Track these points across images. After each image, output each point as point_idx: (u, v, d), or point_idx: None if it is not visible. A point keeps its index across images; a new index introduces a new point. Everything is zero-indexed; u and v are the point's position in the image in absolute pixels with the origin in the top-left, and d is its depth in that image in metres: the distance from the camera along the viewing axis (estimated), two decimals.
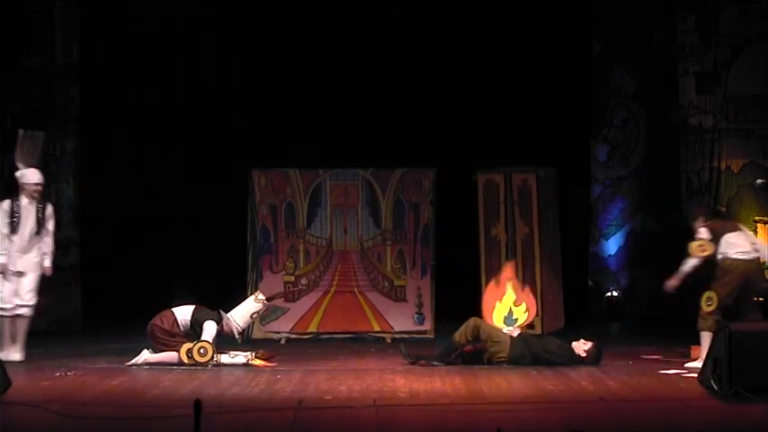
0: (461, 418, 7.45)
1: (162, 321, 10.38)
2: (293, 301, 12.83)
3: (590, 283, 15.02)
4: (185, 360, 10.08)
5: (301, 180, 13.08)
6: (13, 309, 10.66)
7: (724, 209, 13.38)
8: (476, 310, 11.10)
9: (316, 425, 7.23)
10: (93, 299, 14.06)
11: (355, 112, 14.31)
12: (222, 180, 14.05)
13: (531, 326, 12.28)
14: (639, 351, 11.14)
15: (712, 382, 8.17)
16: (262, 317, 12.05)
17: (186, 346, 10.12)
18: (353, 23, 14.38)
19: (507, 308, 11.04)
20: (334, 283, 12.98)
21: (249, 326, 11.32)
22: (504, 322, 11.00)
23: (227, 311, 10.53)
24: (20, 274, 10.74)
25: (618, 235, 15.03)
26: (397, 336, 12.66)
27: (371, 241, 13.04)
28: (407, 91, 14.39)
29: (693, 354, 10.13)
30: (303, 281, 12.94)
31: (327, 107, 14.34)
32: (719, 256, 9.96)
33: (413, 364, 10.23)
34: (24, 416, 7.41)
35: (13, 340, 10.66)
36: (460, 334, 10.33)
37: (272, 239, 13.01)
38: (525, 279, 12.30)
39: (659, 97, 14.62)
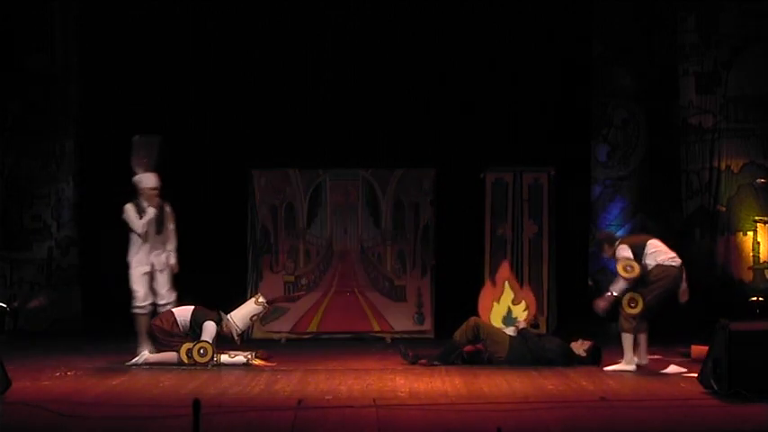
0: (461, 417, 7.45)
1: (162, 321, 10.39)
2: (293, 301, 12.83)
3: (590, 282, 15.02)
4: (185, 360, 10.08)
5: (301, 180, 13.09)
6: (149, 306, 10.85)
7: (724, 209, 13.39)
8: (476, 310, 11.11)
9: (316, 425, 7.23)
10: (93, 299, 14.06)
11: (355, 111, 14.30)
12: (222, 180, 14.04)
13: (535, 325, 12.30)
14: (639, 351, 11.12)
15: (712, 382, 8.17)
16: (262, 317, 12.05)
17: (186, 346, 10.12)
18: (353, 23, 14.38)
19: (506, 307, 11.05)
20: (334, 284, 12.99)
21: (249, 326, 11.32)
22: (503, 322, 10.99)
23: (227, 312, 10.53)
24: (152, 272, 10.88)
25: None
26: (397, 336, 12.66)
27: (371, 241, 13.05)
28: (407, 91, 14.38)
29: (694, 353, 10.14)
30: (303, 281, 12.95)
31: (327, 107, 14.33)
32: (650, 266, 9.90)
33: (413, 364, 10.23)
34: (24, 416, 7.41)
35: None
36: (460, 333, 10.34)
37: (272, 239, 13.02)
38: (531, 278, 12.32)
39: (659, 97, 14.61)
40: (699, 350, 9.82)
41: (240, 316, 10.56)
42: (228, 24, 14.42)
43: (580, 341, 10.32)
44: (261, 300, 10.74)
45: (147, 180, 10.99)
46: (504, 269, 11.53)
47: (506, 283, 11.18)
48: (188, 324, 10.37)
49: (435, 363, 10.16)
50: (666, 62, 14.33)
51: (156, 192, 11.00)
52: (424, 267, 13.00)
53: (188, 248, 13.96)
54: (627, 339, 9.84)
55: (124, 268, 14.02)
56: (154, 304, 10.86)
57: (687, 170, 13.88)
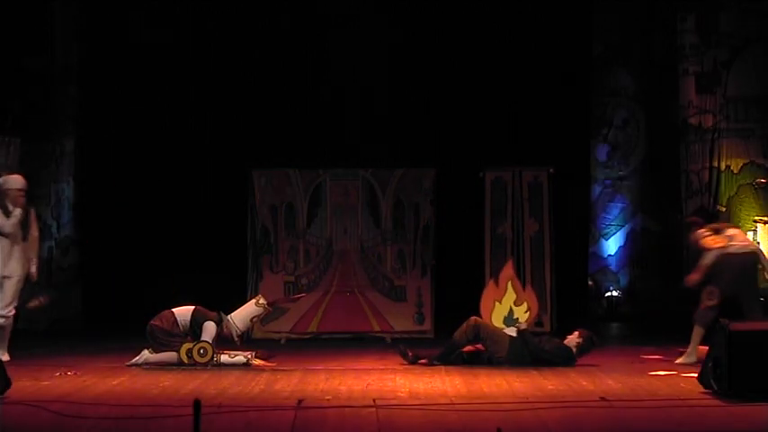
0: (461, 417, 7.44)
1: (162, 321, 10.37)
2: (294, 302, 12.82)
3: (590, 282, 15.03)
4: (185, 360, 10.08)
5: (301, 180, 13.10)
6: None
7: (724, 209, 13.41)
8: (476, 310, 11.11)
9: (316, 425, 7.22)
10: (93, 299, 14.06)
11: (355, 112, 14.31)
12: (222, 180, 14.04)
13: (539, 323, 12.31)
14: (639, 351, 11.14)
15: (712, 382, 8.17)
16: (262, 318, 12.05)
17: (186, 346, 10.12)
18: (353, 23, 14.38)
19: (507, 308, 11.04)
20: (334, 284, 12.99)
21: (249, 327, 11.31)
22: (504, 323, 10.98)
23: (227, 313, 10.52)
24: (4, 279, 10.56)
25: (618, 235, 15.04)
26: (397, 336, 12.66)
27: (371, 241, 13.05)
28: (407, 91, 14.39)
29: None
30: (303, 281, 12.95)
31: (327, 107, 14.34)
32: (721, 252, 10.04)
33: (413, 364, 10.23)
34: (24, 416, 7.41)
35: None
36: (460, 333, 10.33)
37: (272, 239, 13.02)
38: (534, 277, 12.32)
39: (659, 97, 14.63)
40: (699, 350, 9.84)
41: (240, 317, 10.55)
42: (228, 24, 14.42)
43: (573, 333, 10.29)
44: (261, 301, 10.74)
45: (12, 182, 10.66)
46: (508, 268, 11.52)
47: (509, 283, 11.18)
48: (188, 324, 10.36)
49: (435, 363, 10.15)
50: (666, 62, 14.34)
51: (22, 193, 10.62)
52: (424, 267, 13.00)
53: (188, 248, 14.08)
54: (697, 333, 9.97)
55: (124, 268, 14.12)
56: None
57: (687, 170, 13.90)
